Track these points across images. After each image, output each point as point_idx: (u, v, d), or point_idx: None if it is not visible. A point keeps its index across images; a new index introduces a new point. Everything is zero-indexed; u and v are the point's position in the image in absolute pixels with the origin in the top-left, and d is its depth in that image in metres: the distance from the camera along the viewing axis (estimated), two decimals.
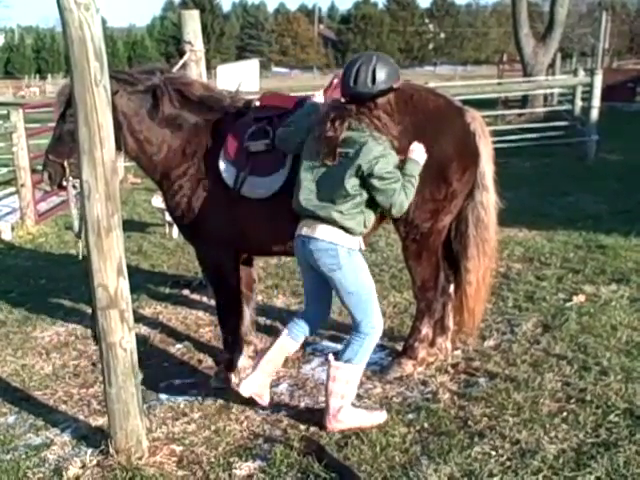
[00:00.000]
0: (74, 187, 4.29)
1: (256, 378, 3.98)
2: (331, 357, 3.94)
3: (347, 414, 3.89)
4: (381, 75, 3.57)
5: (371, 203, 3.69)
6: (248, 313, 4.75)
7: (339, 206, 3.62)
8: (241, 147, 4.12)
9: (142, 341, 5.09)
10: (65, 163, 4.33)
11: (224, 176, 4.14)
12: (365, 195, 3.64)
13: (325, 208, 3.64)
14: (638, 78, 23.96)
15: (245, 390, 3.97)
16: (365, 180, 3.58)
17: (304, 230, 3.76)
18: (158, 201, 7.76)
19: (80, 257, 4.37)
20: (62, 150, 4.33)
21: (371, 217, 3.76)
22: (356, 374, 3.93)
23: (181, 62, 6.01)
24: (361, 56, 3.68)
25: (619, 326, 5.08)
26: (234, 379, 4.52)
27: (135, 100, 4.29)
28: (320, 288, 3.93)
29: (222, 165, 4.15)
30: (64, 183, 4.39)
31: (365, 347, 3.86)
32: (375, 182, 3.57)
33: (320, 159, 3.66)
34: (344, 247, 3.68)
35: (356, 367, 3.89)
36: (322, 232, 3.68)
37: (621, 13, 44.36)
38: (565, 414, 3.93)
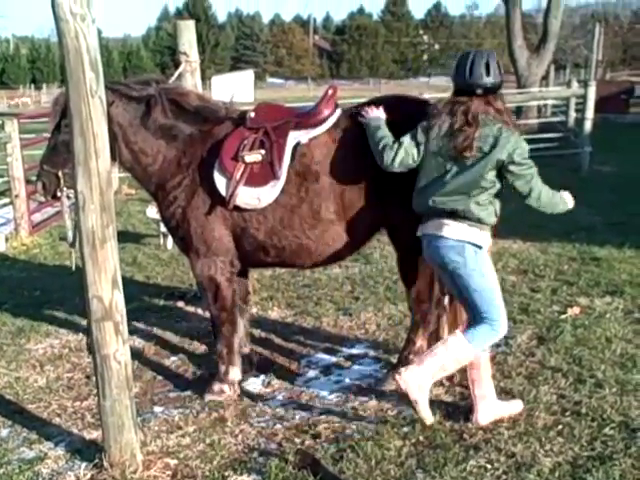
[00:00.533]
0: (68, 197, 4.32)
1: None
2: (460, 329, 3.95)
3: (422, 381, 3.83)
4: (500, 67, 3.80)
5: (499, 193, 3.82)
6: (242, 325, 4.75)
7: (477, 197, 3.72)
8: (236, 157, 4.12)
9: (136, 353, 5.07)
10: (59, 173, 4.34)
11: (218, 187, 4.14)
12: (498, 186, 3.78)
13: (461, 201, 3.72)
14: (631, 90, 24.08)
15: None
16: (503, 170, 3.71)
17: (430, 229, 3.85)
18: (153, 212, 7.75)
19: (74, 268, 4.36)
20: (56, 160, 4.36)
21: (498, 207, 3.87)
22: (465, 355, 3.88)
23: (177, 73, 6.02)
24: (480, 51, 3.82)
25: (614, 338, 5.08)
26: (229, 392, 4.51)
27: (130, 111, 4.30)
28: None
29: (217, 176, 4.15)
30: (58, 193, 4.40)
31: (484, 335, 3.86)
32: (515, 169, 3.71)
33: (452, 154, 3.73)
34: (471, 245, 3.75)
35: (469, 348, 3.86)
36: (450, 230, 3.76)
37: (614, 25, 44.66)
38: (560, 427, 3.93)
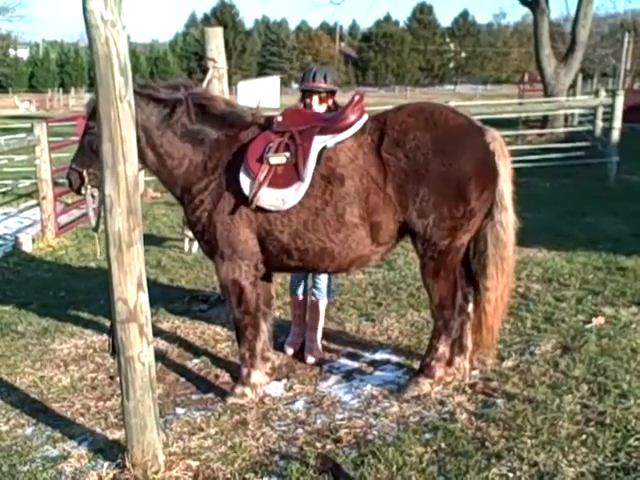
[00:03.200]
0: (92, 196, 4.49)
1: None
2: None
3: None
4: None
5: None
6: (266, 329, 4.76)
7: None
8: (261, 159, 4.16)
9: (160, 355, 5.10)
10: (84, 172, 4.47)
11: (243, 187, 4.18)
12: None
13: None
14: None
15: None
16: None
17: None
18: None
19: (99, 254, 4.44)
20: (83, 160, 4.52)
21: None
22: None
23: (207, 79, 6.07)
24: None
25: (639, 349, 5.03)
26: (251, 395, 4.53)
27: (157, 114, 4.35)
28: None
29: (242, 177, 4.18)
30: (82, 190, 4.55)
31: None
32: None
33: None
34: None
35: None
36: None
37: None
38: (584, 437, 3.89)
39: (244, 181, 4.18)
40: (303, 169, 4.12)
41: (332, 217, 4.16)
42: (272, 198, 4.14)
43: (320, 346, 5.27)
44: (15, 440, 4.17)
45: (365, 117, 4.29)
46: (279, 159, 4.16)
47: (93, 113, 4.11)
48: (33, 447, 4.07)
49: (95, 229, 4.47)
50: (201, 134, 4.38)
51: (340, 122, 4.23)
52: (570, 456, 3.71)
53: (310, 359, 5.13)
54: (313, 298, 5.32)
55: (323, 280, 5.28)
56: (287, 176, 4.15)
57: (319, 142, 4.19)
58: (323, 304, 5.35)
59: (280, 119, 4.32)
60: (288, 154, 4.17)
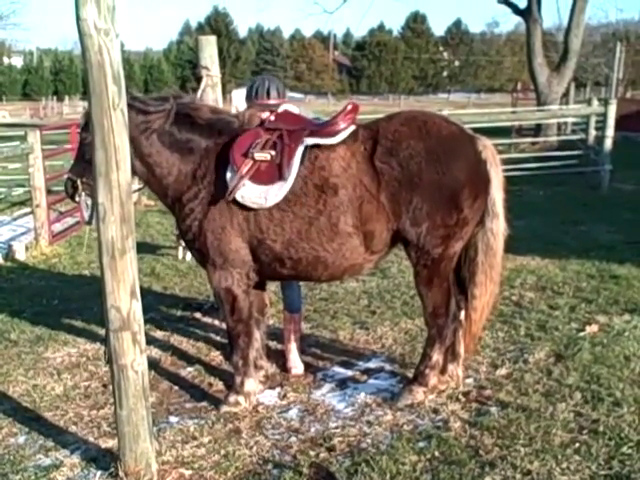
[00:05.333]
0: (86, 204, 4.56)
1: None
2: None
3: None
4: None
5: None
6: (259, 337, 4.76)
7: None
8: (246, 154, 4.18)
9: (153, 363, 5.08)
10: (78, 182, 4.55)
11: (227, 181, 4.19)
12: None
13: None
14: None
15: None
16: None
17: None
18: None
19: (85, 249, 4.46)
20: (77, 170, 4.59)
21: None
22: None
23: (202, 88, 6.08)
24: None
25: (632, 357, 5.04)
26: (244, 403, 4.52)
27: (145, 125, 4.37)
28: None
29: (228, 173, 4.21)
30: (77, 198, 4.66)
31: None
32: None
33: None
34: None
35: None
36: None
37: (635, 43, 44.47)
38: (577, 445, 3.89)
39: (228, 176, 4.20)
40: (286, 169, 4.14)
41: (326, 226, 4.17)
42: (255, 195, 4.15)
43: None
44: (7, 449, 4.15)
45: (352, 127, 4.29)
46: (263, 156, 4.18)
47: (86, 124, 4.16)
48: (26, 456, 4.05)
49: (89, 222, 4.52)
50: (189, 143, 4.40)
51: (328, 127, 4.26)
52: (563, 464, 3.71)
53: (301, 369, 5.13)
54: (290, 313, 5.31)
55: (296, 293, 5.31)
56: (270, 174, 4.18)
57: (305, 144, 4.22)
58: (301, 315, 5.40)
59: (273, 118, 4.35)
60: (273, 152, 4.19)
